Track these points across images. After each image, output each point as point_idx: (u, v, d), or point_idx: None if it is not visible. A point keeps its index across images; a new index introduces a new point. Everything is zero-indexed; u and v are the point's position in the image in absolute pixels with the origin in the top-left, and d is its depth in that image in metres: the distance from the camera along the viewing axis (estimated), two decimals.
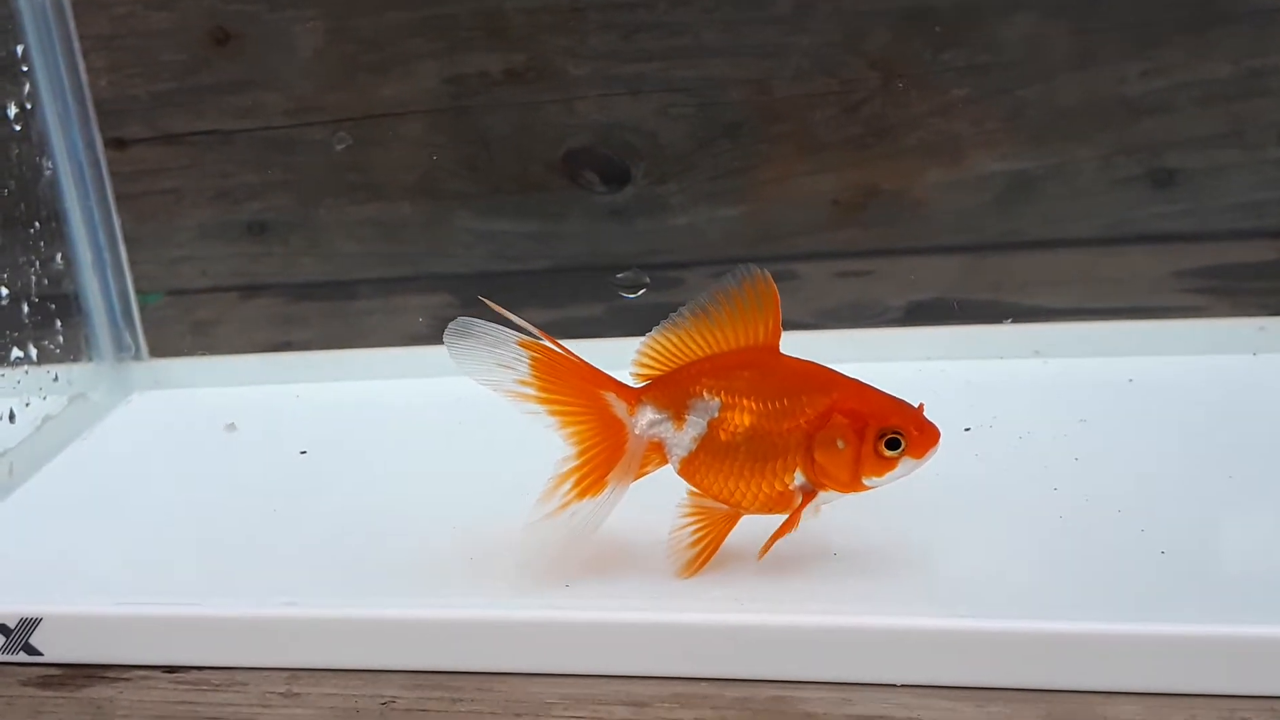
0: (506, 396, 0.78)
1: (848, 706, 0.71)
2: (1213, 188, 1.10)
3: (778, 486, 0.76)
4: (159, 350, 1.15)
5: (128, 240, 1.16)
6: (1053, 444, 0.90)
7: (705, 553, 0.78)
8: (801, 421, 0.75)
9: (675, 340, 0.78)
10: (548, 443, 0.80)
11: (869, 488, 0.75)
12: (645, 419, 0.79)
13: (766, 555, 0.77)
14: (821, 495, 0.76)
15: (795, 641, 0.72)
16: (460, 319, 0.78)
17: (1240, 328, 1.02)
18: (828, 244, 1.18)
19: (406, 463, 0.98)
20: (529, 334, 0.78)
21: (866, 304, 1.16)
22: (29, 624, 0.81)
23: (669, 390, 0.78)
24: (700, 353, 0.78)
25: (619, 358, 1.00)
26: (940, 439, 0.73)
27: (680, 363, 0.78)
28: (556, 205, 1.21)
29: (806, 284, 1.18)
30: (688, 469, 0.79)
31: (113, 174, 1.17)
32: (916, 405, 0.75)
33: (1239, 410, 0.93)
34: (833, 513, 0.78)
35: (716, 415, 0.77)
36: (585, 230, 1.21)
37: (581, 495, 0.78)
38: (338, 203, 1.24)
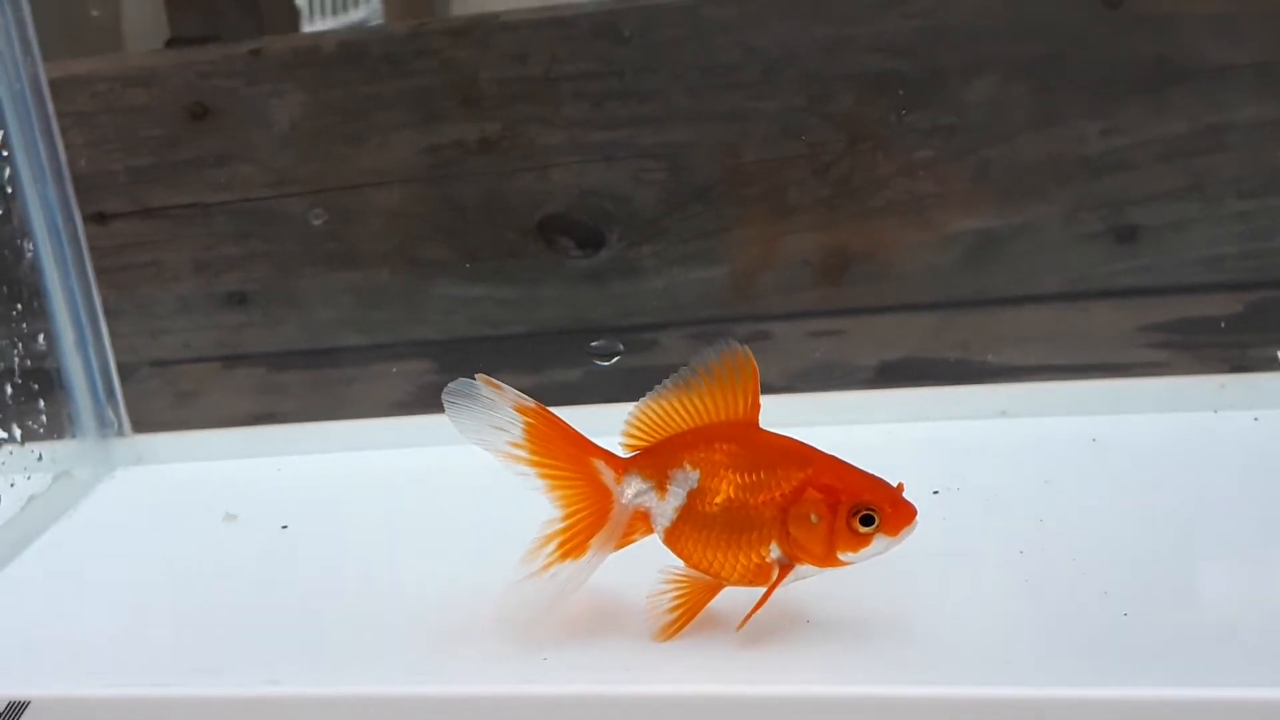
0: (499, 458, 0.80)
1: None
2: (1174, 242, 1.12)
3: (754, 559, 0.77)
4: (142, 425, 1.16)
5: (108, 314, 1.18)
6: (1019, 506, 0.92)
7: (682, 619, 0.79)
8: (776, 495, 0.76)
9: (660, 410, 0.80)
10: (532, 511, 0.81)
11: (846, 563, 0.76)
12: (631, 488, 0.80)
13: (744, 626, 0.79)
14: (800, 569, 0.77)
15: (769, 712, 0.74)
16: (460, 380, 0.80)
17: (1202, 385, 1.03)
18: (800, 304, 1.20)
19: (388, 535, 0.99)
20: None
21: (838, 364, 1.18)
22: (17, 707, 0.81)
23: (654, 460, 0.80)
24: (683, 424, 0.80)
25: (597, 423, 1.02)
26: (916, 518, 0.75)
27: (666, 433, 0.80)
28: (532, 271, 1.23)
29: (780, 344, 1.20)
30: (671, 538, 0.80)
31: (92, 248, 1.18)
32: (895, 484, 0.76)
33: (1200, 470, 0.94)
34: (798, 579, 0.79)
35: (695, 486, 0.78)
36: (561, 295, 1.23)
37: (564, 557, 0.79)
38: (316, 272, 1.26)
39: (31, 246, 1.06)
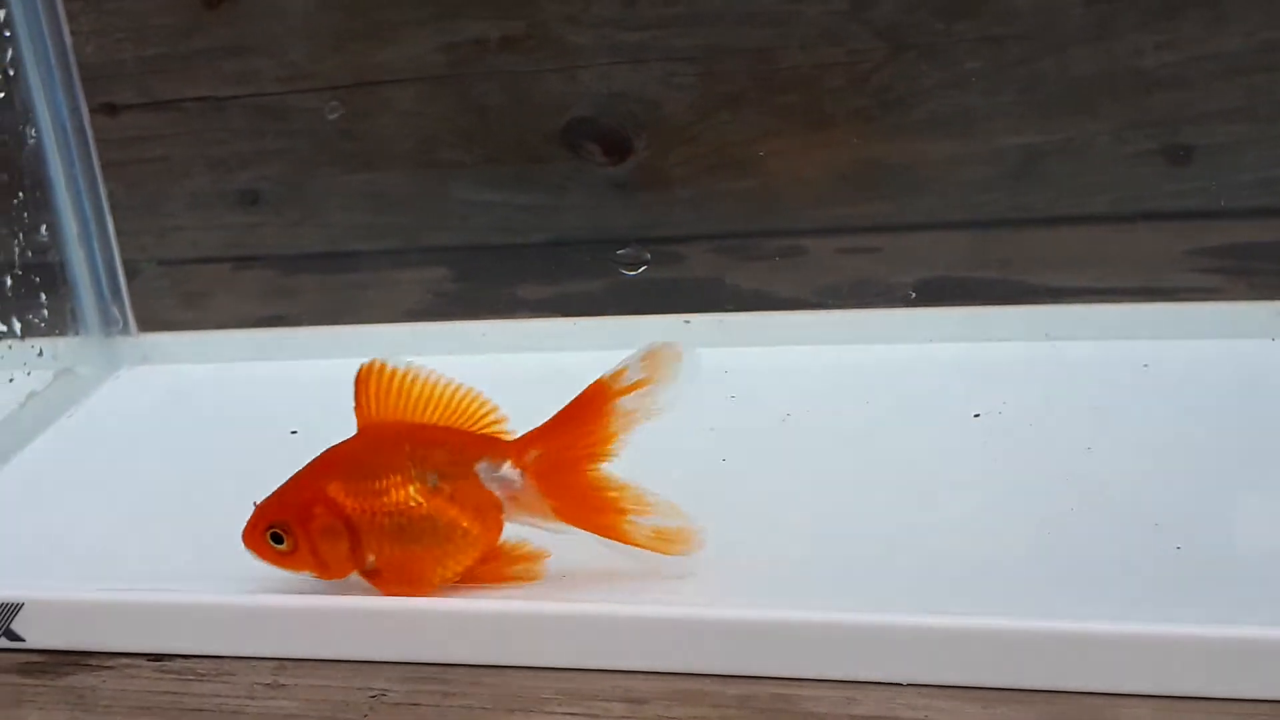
0: None
1: (852, 706, 0.68)
2: (1229, 164, 1.07)
3: None
4: (148, 324, 1.12)
5: (116, 210, 1.13)
6: (1065, 432, 0.87)
7: None
8: None
9: None
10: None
11: None
12: None
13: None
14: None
15: (799, 638, 0.70)
16: None
17: (1258, 311, 0.99)
18: (834, 219, 1.15)
19: None
20: None
21: (873, 282, 1.13)
22: (10, 609, 0.78)
23: None
24: None
25: (619, 337, 0.98)
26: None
27: None
28: (556, 177, 1.18)
29: (812, 259, 1.15)
30: None
31: (100, 141, 1.14)
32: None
33: (1258, 398, 0.90)
34: (834, 501, 0.76)
35: None
36: (585, 203, 1.18)
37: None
38: (331, 172, 1.21)
39: (35, 133, 1.02)
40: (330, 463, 0.77)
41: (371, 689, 0.73)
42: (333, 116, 1.17)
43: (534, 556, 0.77)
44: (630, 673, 0.72)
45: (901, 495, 0.77)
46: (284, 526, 0.75)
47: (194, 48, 1.19)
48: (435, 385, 0.77)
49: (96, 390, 1.07)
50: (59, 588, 0.79)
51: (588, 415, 0.75)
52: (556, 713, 0.70)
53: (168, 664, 0.77)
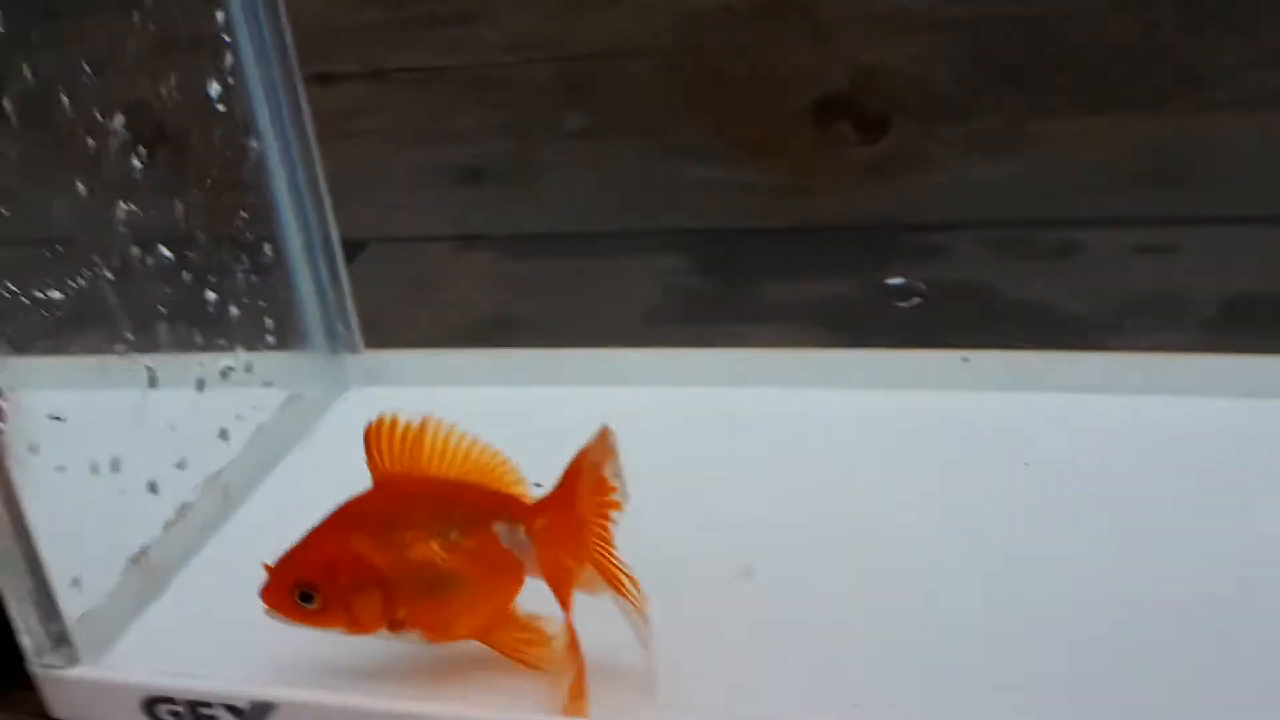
0: None
1: None
2: None
3: None
4: (372, 334, 1.04)
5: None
6: None
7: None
8: None
9: None
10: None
11: None
12: None
13: None
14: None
15: None
16: None
17: None
18: (1121, 208, 1.03)
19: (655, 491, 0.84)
20: None
21: (1167, 291, 1.00)
22: (263, 709, 0.73)
23: None
24: None
25: (878, 372, 0.88)
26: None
27: None
28: (805, 157, 1.09)
29: (1094, 258, 1.04)
30: None
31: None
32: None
33: None
34: (1168, 603, 0.66)
35: None
36: (837, 185, 1.11)
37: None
38: (559, 149, 1.14)
39: (256, 144, 0.94)
40: (350, 517, 0.73)
41: None
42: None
43: (544, 642, 0.72)
44: None
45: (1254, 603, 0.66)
46: (311, 585, 0.72)
47: (413, 14, 1.15)
48: (449, 440, 0.72)
49: (326, 415, 1.00)
50: (318, 687, 0.74)
51: (573, 494, 0.70)
52: None
53: None
